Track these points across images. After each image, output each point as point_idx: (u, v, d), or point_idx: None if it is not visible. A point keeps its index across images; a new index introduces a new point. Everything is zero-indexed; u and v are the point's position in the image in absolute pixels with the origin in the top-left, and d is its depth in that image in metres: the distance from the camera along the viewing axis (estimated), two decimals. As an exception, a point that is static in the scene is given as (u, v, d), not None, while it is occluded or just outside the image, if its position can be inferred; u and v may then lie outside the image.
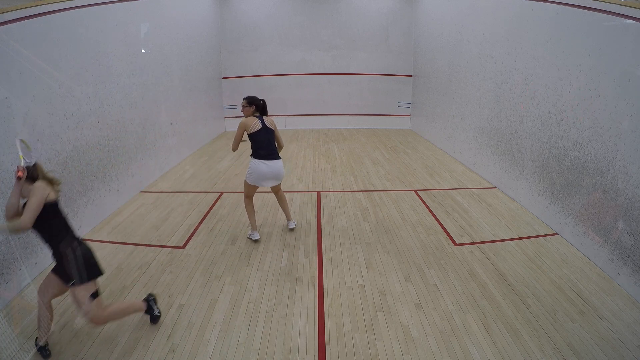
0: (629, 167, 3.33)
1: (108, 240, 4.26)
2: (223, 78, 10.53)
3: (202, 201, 5.38)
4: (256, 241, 4.18)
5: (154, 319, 2.90)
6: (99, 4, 4.75)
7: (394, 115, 11.04)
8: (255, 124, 4.01)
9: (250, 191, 4.23)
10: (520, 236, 4.30)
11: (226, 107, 10.63)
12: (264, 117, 4.10)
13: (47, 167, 3.72)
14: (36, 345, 2.61)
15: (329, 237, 4.31)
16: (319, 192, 5.75)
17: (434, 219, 4.76)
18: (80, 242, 2.54)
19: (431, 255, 3.89)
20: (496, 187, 5.88)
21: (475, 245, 4.12)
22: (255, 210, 5.02)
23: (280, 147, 4.21)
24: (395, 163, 7.38)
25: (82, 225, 4.33)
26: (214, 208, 5.16)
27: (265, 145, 4.03)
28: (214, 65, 9.83)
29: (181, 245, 4.16)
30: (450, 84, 7.78)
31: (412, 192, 5.76)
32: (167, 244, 4.18)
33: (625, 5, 3.43)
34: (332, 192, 5.76)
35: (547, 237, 4.28)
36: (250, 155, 4.12)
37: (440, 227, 4.54)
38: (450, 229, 4.50)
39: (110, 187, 4.96)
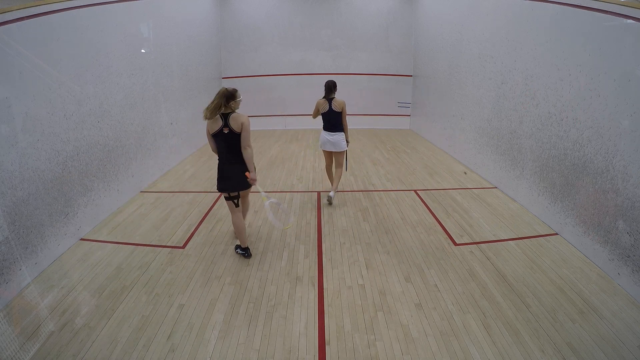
0: (629, 167, 3.33)
1: (108, 240, 4.27)
2: (223, 78, 10.52)
3: (202, 201, 5.38)
4: (329, 202, 5.18)
5: None
6: (99, 4, 4.75)
7: (394, 115, 11.03)
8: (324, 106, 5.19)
9: (325, 160, 5.44)
10: (520, 236, 4.30)
11: (226, 107, 10.61)
12: (333, 100, 5.20)
13: (47, 167, 3.77)
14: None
15: (329, 237, 4.31)
16: (319, 192, 5.74)
17: (434, 219, 4.76)
18: None
19: (431, 255, 3.89)
20: (496, 187, 5.88)
21: (475, 245, 4.12)
22: (256, 210, 5.03)
23: (345, 127, 5.18)
24: (395, 163, 7.38)
25: (82, 225, 4.34)
26: (214, 208, 5.16)
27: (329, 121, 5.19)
28: (214, 65, 9.82)
29: (181, 245, 4.16)
30: (450, 84, 7.78)
31: (412, 192, 5.76)
32: (167, 244, 4.18)
33: (625, 5, 3.43)
34: (332, 192, 5.76)
35: (547, 237, 4.28)
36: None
37: (440, 227, 4.54)
38: (450, 229, 4.50)
39: (110, 187, 4.96)
